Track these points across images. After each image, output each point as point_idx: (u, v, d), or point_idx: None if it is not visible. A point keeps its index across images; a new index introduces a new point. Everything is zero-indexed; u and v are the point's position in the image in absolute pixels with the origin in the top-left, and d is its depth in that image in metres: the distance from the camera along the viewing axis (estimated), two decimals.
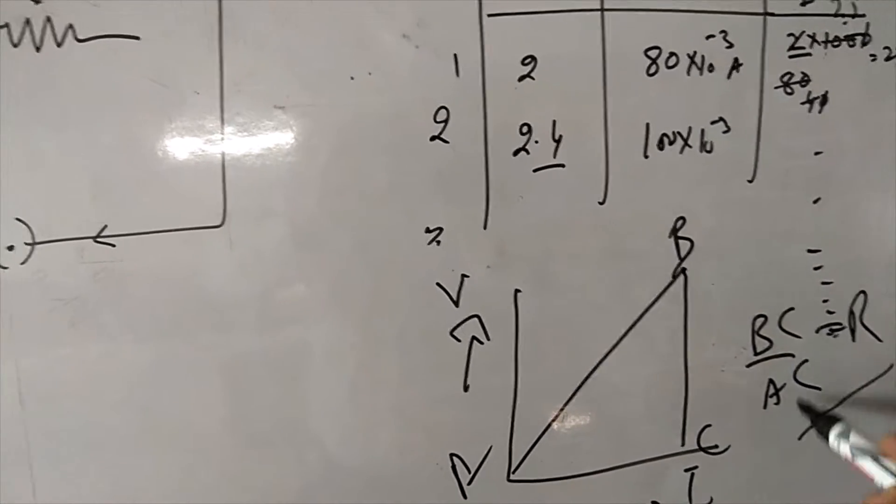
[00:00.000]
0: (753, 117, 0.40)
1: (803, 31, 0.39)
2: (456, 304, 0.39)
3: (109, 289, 0.37)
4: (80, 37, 0.36)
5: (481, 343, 0.40)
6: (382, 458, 0.40)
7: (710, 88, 0.39)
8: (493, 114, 0.38)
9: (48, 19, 0.36)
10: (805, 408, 0.41)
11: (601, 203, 0.39)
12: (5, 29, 0.36)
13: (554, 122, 0.38)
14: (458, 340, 0.40)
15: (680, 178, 0.40)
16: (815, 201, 0.41)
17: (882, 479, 0.33)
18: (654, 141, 0.39)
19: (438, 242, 0.39)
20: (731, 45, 0.39)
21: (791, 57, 0.40)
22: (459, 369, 0.40)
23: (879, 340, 0.44)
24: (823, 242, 0.42)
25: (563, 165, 0.39)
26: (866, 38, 0.40)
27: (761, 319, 0.41)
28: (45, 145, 0.36)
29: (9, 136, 0.36)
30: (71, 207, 0.37)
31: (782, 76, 0.40)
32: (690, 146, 0.39)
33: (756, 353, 0.42)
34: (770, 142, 0.40)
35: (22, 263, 0.37)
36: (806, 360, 0.42)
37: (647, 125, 0.39)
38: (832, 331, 0.42)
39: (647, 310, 0.40)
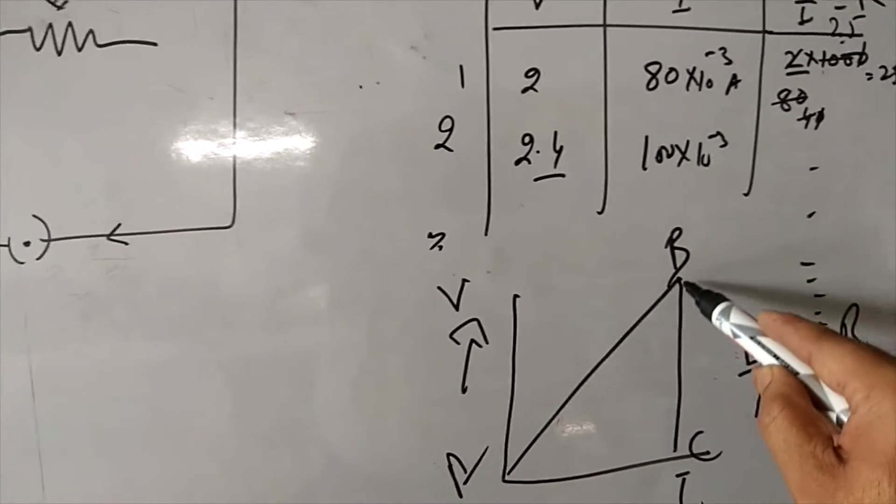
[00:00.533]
0: (750, 132, 0.41)
1: (801, 50, 0.41)
2: (456, 307, 0.41)
3: (122, 286, 0.39)
4: (100, 42, 0.38)
5: (480, 346, 0.41)
6: (382, 456, 0.42)
7: (709, 103, 0.40)
8: (497, 124, 0.40)
9: (70, 24, 0.38)
10: (691, 286, 0.41)
11: (600, 213, 0.41)
12: (28, 33, 0.38)
13: (555, 133, 0.40)
14: (458, 343, 0.41)
15: (677, 190, 0.41)
16: (810, 215, 0.43)
17: (761, 357, 0.33)
18: (652, 153, 0.41)
19: (441, 247, 0.40)
20: (729, 62, 0.40)
21: (788, 74, 0.41)
22: (458, 371, 0.42)
23: None
24: (817, 256, 0.43)
25: (563, 175, 0.40)
26: (863, 57, 0.42)
27: None
28: (64, 145, 0.38)
29: (29, 136, 0.38)
30: (86, 206, 0.39)
31: (780, 93, 0.41)
32: (688, 159, 0.41)
33: (749, 363, 0.43)
34: (766, 156, 0.41)
35: (37, 259, 0.39)
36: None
37: (647, 138, 0.40)
38: None
39: (642, 317, 0.42)
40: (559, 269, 0.41)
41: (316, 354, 0.41)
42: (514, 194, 0.40)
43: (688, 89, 0.40)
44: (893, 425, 0.26)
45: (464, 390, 0.42)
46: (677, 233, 0.42)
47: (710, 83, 0.40)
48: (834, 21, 0.41)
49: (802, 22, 0.41)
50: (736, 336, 0.35)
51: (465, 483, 0.42)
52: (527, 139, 0.40)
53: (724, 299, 0.38)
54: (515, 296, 0.41)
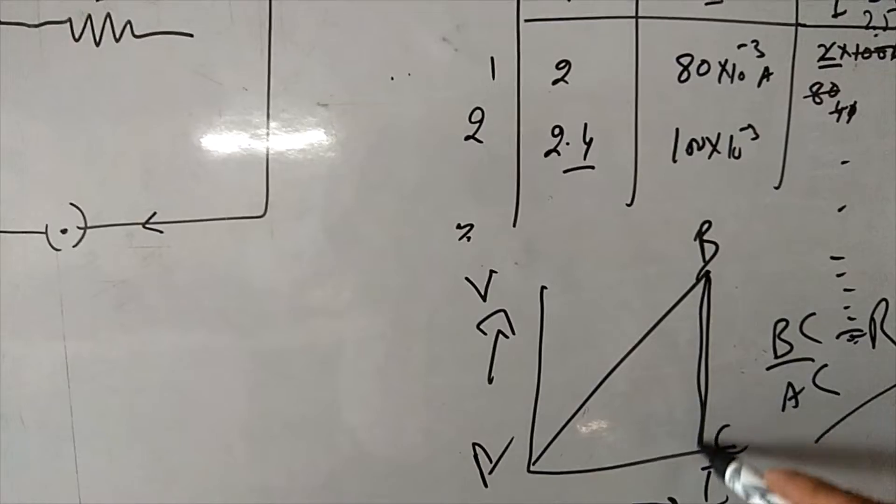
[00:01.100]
0: (782, 125, 0.42)
1: (834, 43, 0.41)
2: (484, 298, 0.42)
3: (156, 273, 0.41)
4: (138, 33, 0.39)
5: (507, 337, 0.42)
6: (408, 444, 0.43)
7: (740, 96, 0.41)
8: (527, 116, 0.40)
9: (108, 15, 0.39)
10: (705, 447, 0.44)
11: (629, 205, 0.42)
12: (67, 24, 0.39)
13: (585, 124, 0.41)
14: (485, 334, 0.42)
15: (707, 183, 0.41)
16: (841, 209, 0.43)
17: None
18: (683, 146, 0.41)
19: (469, 239, 0.41)
20: (762, 55, 0.41)
21: (821, 67, 0.41)
22: (485, 362, 0.43)
23: None
24: (847, 250, 0.43)
25: (592, 167, 0.41)
26: None
27: (783, 324, 0.43)
28: (101, 135, 0.40)
29: (66, 125, 0.40)
30: (123, 194, 0.40)
31: (812, 86, 0.41)
32: (719, 152, 0.41)
33: (776, 357, 0.44)
34: (797, 150, 0.42)
35: (74, 246, 0.41)
36: (825, 365, 0.44)
37: (677, 130, 0.41)
38: (852, 337, 0.44)
39: (670, 310, 0.43)
40: (587, 261, 0.42)
41: (344, 343, 0.42)
42: (543, 186, 0.41)
43: (719, 82, 0.41)
44: None
45: (490, 381, 0.43)
46: (707, 226, 0.42)
47: (741, 76, 0.41)
48: (868, 14, 0.41)
49: (836, 15, 0.41)
50: (748, 496, 0.38)
51: (490, 473, 0.43)
52: (556, 131, 0.41)
53: (733, 458, 0.41)
54: (543, 287, 0.42)
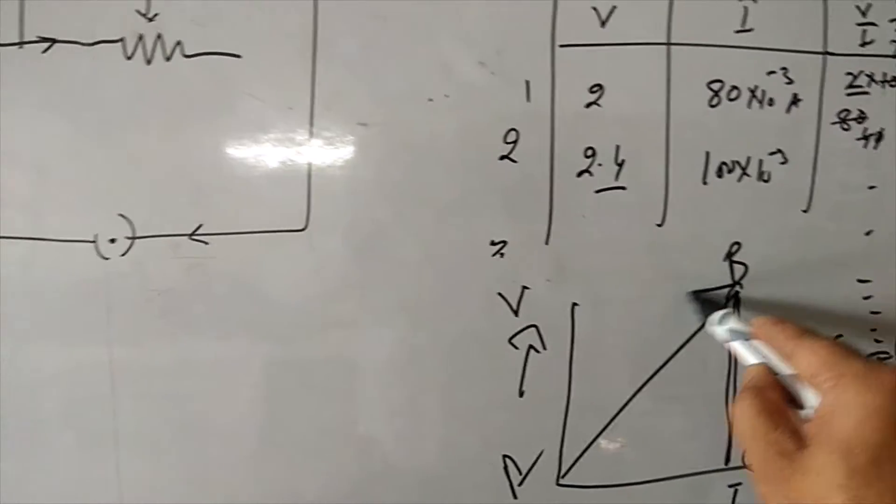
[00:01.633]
0: (810, 150, 0.43)
1: (861, 71, 0.43)
2: (515, 313, 0.44)
3: (200, 283, 0.42)
4: (187, 53, 0.41)
5: (538, 352, 0.44)
6: (439, 456, 0.45)
7: (770, 121, 0.43)
8: (560, 137, 0.42)
9: (159, 35, 0.41)
10: (695, 294, 0.43)
11: (659, 225, 0.43)
12: (120, 43, 0.42)
13: (617, 146, 0.42)
14: (516, 348, 0.44)
15: (737, 205, 0.43)
16: (867, 233, 0.45)
17: (750, 359, 0.36)
18: (713, 168, 0.43)
19: (502, 255, 0.43)
20: (790, 82, 0.42)
21: (849, 95, 0.43)
22: (516, 376, 0.44)
23: None
24: (874, 273, 0.45)
25: (624, 188, 0.43)
26: None
27: None
28: (150, 149, 0.42)
29: (118, 139, 0.42)
30: (170, 206, 0.42)
31: (839, 112, 0.43)
32: (748, 175, 0.43)
33: None
34: (825, 174, 0.43)
35: (122, 255, 0.43)
36: None
37: (707, 153, 0.43)
38: (880, 359, 0.45)
39: (698, 329, 0.44)
40: (618, 279, 0.44)
41: (378, 355, 0.44)
42: (575, 205, 0.43)
43: (749, 107, 0.43)
44: (853, 412, 0.28)
45: (521, 394, 0.44)
46: (736, 247, 0.44)
47: (771, 101, 0.43)
48: (894, 44, 0.43)
49: (863, 44, 0.43)
50: (729, 340, 0.38)
51: (519, 484, 0.45)
52: (589, 152, 0.43)
53: (719, 305, 0.41)
54: (574, 304, 0.44)
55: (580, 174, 0.43)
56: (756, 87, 0.42)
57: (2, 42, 0.41)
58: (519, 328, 0.44)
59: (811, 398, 0.31)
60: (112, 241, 0.43)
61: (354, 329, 0.43)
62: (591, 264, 0.43)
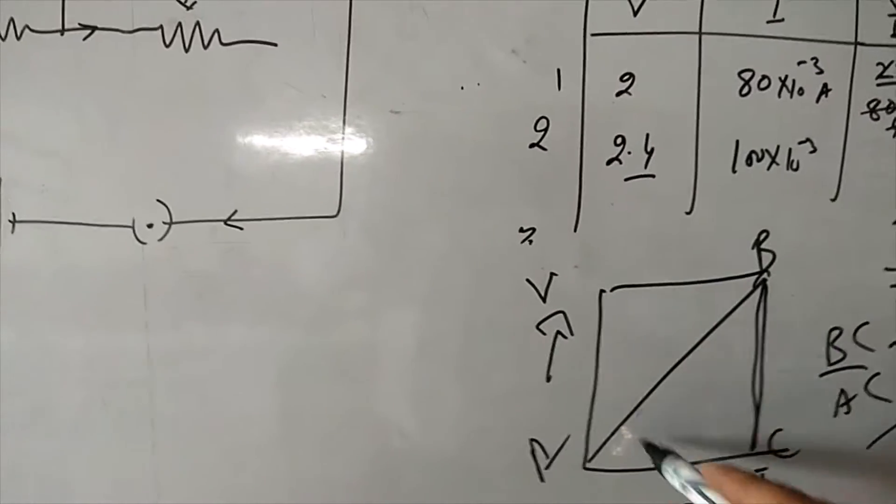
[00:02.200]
0: (839, 140, 0.44)
1: (892, 61, 0.43)
2: (543, 299, 0.45)
3: (235, 268, 0.44)
4: (225, 41, 0.43)
5: (565, 338, 0.45)
6: (467, 439, 0.46)
7: (799, 111, 0.43)
8: (590, 125, 0.43)
9: (197, 23, 0.43)
10: (647, 445, 0.45)
11: (688, 213, 0.44)
12: (159, 30, 0.43)
13: (647, 135, 0.43)
14: (544, 334, 0.45)
15: (766, 194, 0.44)
16: (895, 222, 0.45)
17: None
18: (742, 157, 0.44)
19: (531, 242, 0.44)
20: (821, 72, 0.43)
21: (879, 85, 0.44)
22: (543, 361, 0.45)
23: None
24: None
25: (653, 176, 0.44)
26: None
27: (836, 332, 0.46)
28: (188, 136, 0.43)
29: (156, 126, 0.43)
30: (206, 192, 0.43)
31: (869, 102, 0.44)
32: (778, 164, 0.44)
33: (829, 364, 0.46)
34: (854, 164, 0.44)
35: (159, 240, 0.44)
36: (878, 373, 0.46)
37: (737, 142, 0.44)
38: None
39: (726, 316, 0.45)
40: (645, 266, 0.45)
41: (409, 340, 0.45)
42: (604, 193, 0.44)
43: (779, 96, 0.43)
44: None
45: (548, 379, 0.45)
46: (764, 235, 0.45)
47: (801, 91, 0.43)
48: None
49: (894, 34, 0.43)
50: (685, 489, 0.40)
51: (546, 468, 0.46)
52: (619, 140, 0.43)
53: (672, 452, 0.43)
54: (601, 291, 0.45)
55: (609, 162, 0.44)
56: (786, 76, 0.43)
57: (44, 29, 0.42)
58: (547, 314, 0.45)
59: None
60: (150, 226, 0.44)
61: (383, 314, 0.45)
62: (619, 252, 0.44)
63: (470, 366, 0.45)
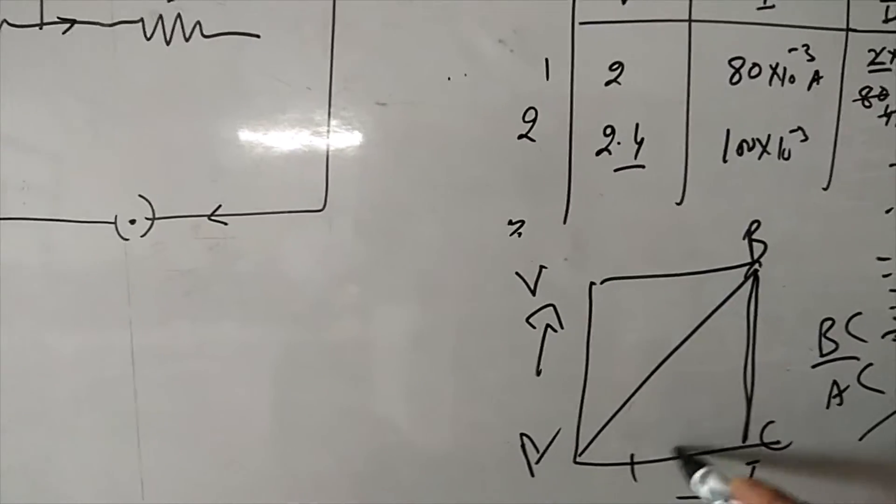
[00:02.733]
0: (831, 128, 0.44)
1: (884, 48, 0.43)
2: (533, 292, 0.45)
3: (220, 263, 0.44)
4: (207, 33, 0.42)
5: (555, 331, 0.45)
6: (458, 433, 0.46)
7: (791, 99, 0.43)
8: (579, 115, 0.43)
9: (178, 16, 0.42)
10: (678, 451, 0.46)
11: (678, 203, 0.44)
12: (140, 23, 0.43)
13: (637, 125, 0.43)
14: (534, 327, 0.45)
15: (757, 183, 0.44)
16: (888, 211, 0.45)
17: None
18: (733, 146, 0.44)
19: (520, 234, 0.44)
20: (812, 59, 0.43)
21: (871, 72, 0.44)
22: (533, 354, 0.45)
23: None
24: (893, 251, 0.46)
25: (643, 166, 0.44)
26: None
27: (829, 322, 0.46)
28: (170, 130, 0.43)
29: (137, 121, 0.43)
30: (190, 187, 0.43)
31: (861, 90, 0.44)
32: (769, 153, 0.44)
33: (822, 355, 0.46)
34: (846, 152, 0.44)
35: (142, 236, 0.44)
36: (870, 364, 0.47)
37: (728, 131, 0.44)
38: None
39: (718, 307, 0.45)
40: (636, 258, 0.44)
41: (397, 334, 0.45)
42: (594, 184, 0.44)
43: (770, 84, 0.43)
44: None
45: (538, 373, 0.45)
46: (756, 225, 0.45)
47: (792, 79, 0.43)
48: None
49: (886, 20, 0.43)
50: (713, 500, 0.41)
51: (536, 462, 0.46)
52: (608, 130, 0.43)
53: (704, 464, 0.43)
54: (591, 283, 0.45)
55: (599, 153, 0.43)
56: (777, 64, 0.43)
57: (23, 23, 0.42)
58: (536, 307, 0.45)
59: None
60: (132, 221, 0.44)
61: (372, 308, 0.45)
62: (609, 243, 0.44)
63: (459, 360, 0.45)
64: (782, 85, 0.43)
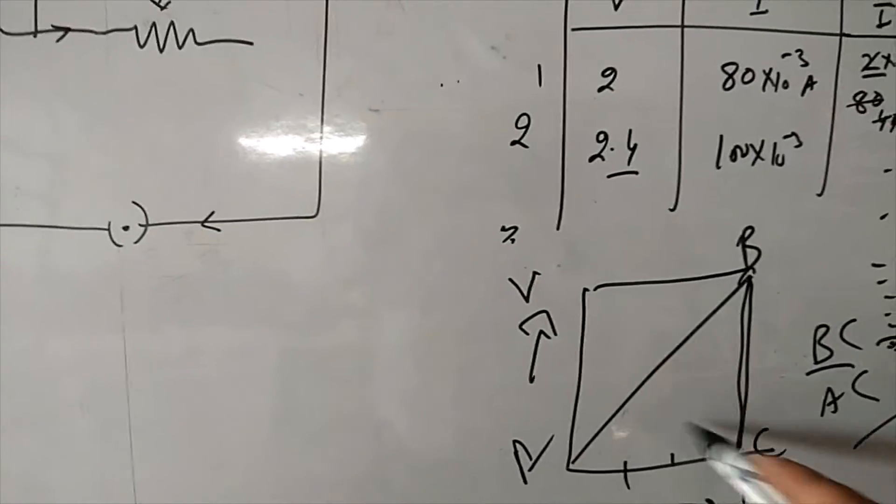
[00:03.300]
0: (825, 133, 0.44)
1: (878, 52, 0.43)
2: (526, 299, 0.45)
3: (213, 270, 0.44)
4: (200, 40, 0.43)
5: (548, 338, 0.46)
6: (449, 441, 0.46)
7: (784, 104, 0.44)
8: (572, 121, 0.43)
9: (172, 23, 0.43)
10: (699, 430, 0.45)
11: (672, 210, 0.44)
12: (133, 31, 0.43)
13: (630, 130, 0.44)
14: (527, 334, 0.45)
15: (750, 189, 0.44)
16: (882, 217, 0.45)
17: (755, 498, 0.37)
18: (726, 152, 0.44)
19: (513, 241, 0.45)
20: (806, 64, 0.43)
21: (865, 77, 0.44)
22: (526, 361, 0.46)
23: None
24: (888, 257, 0.46)
25: (636, 173, 0.44)
26: None
27: (823, 329, 0.46)
28: (163, 137, 0.44)
29: (130, 128, 0.43)
30: (182, 193, 0.44)
31: (855, 95, 0.44)
32: (762, 159, 0.44)
33: (816, 362, 0.46)
34: (841, 158, 0.44)
35: (135, 243, 0.44)
36: (865, 371, 0.47)
37: (721, 137, 0.44)
38: (893, 344, 0.46)
39: (711, 314, 0.45)
40: (629, 264, 0.45)
41: (389, 341, 0.45)
42: (587, 190, 0.44)
43: (764, 90, 0.43)
44: None
45: (531, 380, 0.46)
46: (749, 231, 0.45)
47: (786, 84, 0.44)
48: None
49: (880, 25, 0.43)
50: (731, 476, 0.39)
51: (529, 469, 0.47)
52: (601, 137, 0.44)
53: (724, 441, 0.43)
54: (585, 289, 0.45)
55: (592, 159, 0.44)
56: (770, 69, 0.43)
57: (17, 31, 0.43)
58: (530, 314, 0.45)
59: None
60: (125, 228, 0.44)
61: (366, 315, 0.45)
62: (602, 250, 0.45)
63: (452, 367, 0.46)
64: (776, 90, 0.43)
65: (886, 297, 0.46)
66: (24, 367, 0.45)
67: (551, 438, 0.46)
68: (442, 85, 0.43)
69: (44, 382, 0.45)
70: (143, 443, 0.46)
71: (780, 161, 0.44)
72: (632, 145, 0.44)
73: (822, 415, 0.47)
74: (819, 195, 0.45)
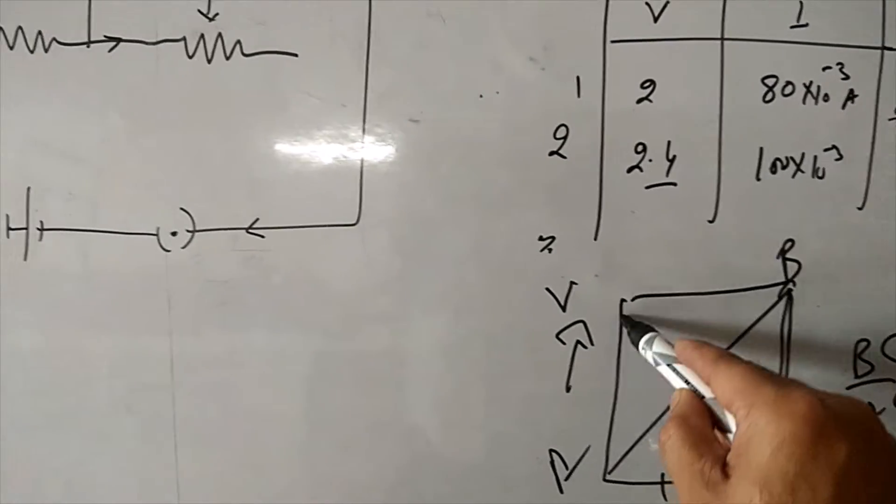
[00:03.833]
0: (866, 147, 0.44)
1: None
2: (563, 308, 0.46)
3: (256, 275, 0.46)
4: (247, 51, 0.45)
5: (585, 347, 0.46)
6: (487, 448, 0.47)
7: (825, 117, 0.44)
8: (610, 132, 0.44)
9: (220, 35, 0.45)
10: (625, 318, 0.45)
11: (711, 221, 0.45)
12: (182, 42, 0.45)
13: (669, 142, 0.44)
14: (563, 343, 0.46)
15: (791, 202, 0.44)
16: None
17: (676, 383, 0.37)
18: (766, 165, 0.44)
19: (550, 250, 0.45)
20: (846, 77, 0.43)
21: None
22: (563, 371, 0.46)
23: None
24: None
25: (675, 184, 0.44)
26: None
27: (864, 343, 0.46)
28: (210, 146, 0.45)
29: (179, 136, 0.45)
30: (229, 201, 0.46)
31: None
32: (803, 171, 0.44)
33: (857, 377, 0.46)
34: (882, 171, 0.44)
35: (183, 248, 0.46)
36: None
37: (761, 149, 0.44)
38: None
39: (750, 327, 0.46)
40: (667, 275, 0.45)
41: (428, 348, 0.46)
42: (625, 201, 0.45)
43: (804, 103, 0.44)
44: (767, 441, 0.28)
45: (568, 389, 0.46)
46: (789, 244, 0.45)
47: (826, 97, 0.44)
48: None
49: None
50: (657, 364, 0.39)
51: (566, 479, 0.47)
52: (640, 148, 0.44)
53: (652, 330, 0.42)
54: (622, 300, 0.46)
55: (630, 170, 0.44)
56: (811, 82, 0.44)
57: (70, 41, 0.45)
58: (566, 323, 0.46)
59: (731, 421, 0.32)
60: (174, 234, 0.46)
61: (403, 321, 0.46)
62: (640, 260, 0.45)
63: (489, 375, 0.46)
64: (816, 103, 0.44)
65: None
66: (73, 367, 0.47)
67: (588, 448, 0.47)
68: (481, 96, 0.44)
69: (91, 382, 0.47)
70: (187, 444, 0.47)
71: (820, 174, 0.45)
72: (671, 157, 0.44)
73: None
74: (860, 209, 0.45)
